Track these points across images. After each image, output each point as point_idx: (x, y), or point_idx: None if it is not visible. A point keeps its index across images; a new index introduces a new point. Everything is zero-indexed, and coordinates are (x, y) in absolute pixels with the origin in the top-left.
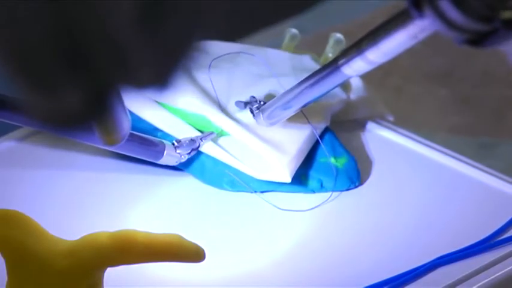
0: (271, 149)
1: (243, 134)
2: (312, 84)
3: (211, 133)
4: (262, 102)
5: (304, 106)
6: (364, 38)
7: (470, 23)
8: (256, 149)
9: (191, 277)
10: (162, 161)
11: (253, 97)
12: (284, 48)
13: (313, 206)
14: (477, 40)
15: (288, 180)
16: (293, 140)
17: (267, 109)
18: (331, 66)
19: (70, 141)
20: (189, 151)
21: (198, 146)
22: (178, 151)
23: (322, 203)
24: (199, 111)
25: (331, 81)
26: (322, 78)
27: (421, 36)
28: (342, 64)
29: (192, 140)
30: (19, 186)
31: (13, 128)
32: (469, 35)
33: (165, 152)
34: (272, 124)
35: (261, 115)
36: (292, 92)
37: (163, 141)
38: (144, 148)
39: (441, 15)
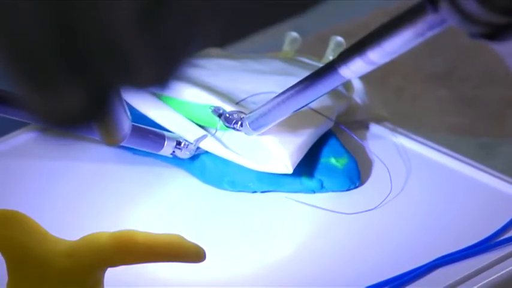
0: (274, 138)
1: None
2: (306, 88)
3: (204, 136)
4: (242, 114)
5: (295, 112)
6: (366, 37)
7: (488, 16)
8: (260, 138)
9: (191, 277)
10: (161, 152)
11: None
12: (284, 53)
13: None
14: (492, 34)
15: (290, 171)
16: (297, 132)
17: (253, 117)
18: (327, 69)
19: (69, 142)
20: (188, 154)
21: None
22: (177, 153)
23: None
24: (204, 101)
25: (327, 84)
26: (318, 81)
27: (429, 34)
28: (340, 66)
29: (187, 145)
30: (19, 187)
31: (13, 128)
32: (485, 29)
33: (165, 143)
34: (258, 132)
35: (247, 123)
36: (283, 97)
37: (165, 133)
38: (148, 140)
39: (458, 8)
